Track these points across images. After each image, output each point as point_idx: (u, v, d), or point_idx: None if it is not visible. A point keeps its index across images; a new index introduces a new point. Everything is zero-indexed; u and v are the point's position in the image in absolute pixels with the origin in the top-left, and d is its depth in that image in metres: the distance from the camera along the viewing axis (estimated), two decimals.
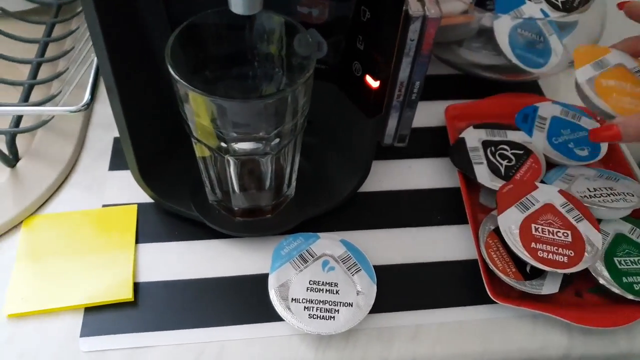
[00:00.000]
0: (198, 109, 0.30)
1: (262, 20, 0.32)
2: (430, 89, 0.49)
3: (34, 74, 0.45)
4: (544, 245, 0.36)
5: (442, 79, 0.51)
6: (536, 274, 0.36)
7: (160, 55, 0.30)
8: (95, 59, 0.36)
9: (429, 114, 0.48)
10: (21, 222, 0.39)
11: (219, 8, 0.29)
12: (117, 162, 0.43)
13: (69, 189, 0.42)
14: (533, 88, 0.52)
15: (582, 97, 0.39)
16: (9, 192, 0.40)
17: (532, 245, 0.36)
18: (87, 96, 0.35)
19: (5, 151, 0.40)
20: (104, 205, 0.41)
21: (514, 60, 0.46)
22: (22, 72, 0.46)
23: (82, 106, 0.35)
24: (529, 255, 0.35)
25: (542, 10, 0.49)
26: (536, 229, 0.37)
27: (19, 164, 0.41)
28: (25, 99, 0.43)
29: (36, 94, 0.44)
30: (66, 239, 0.39)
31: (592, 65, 0.39)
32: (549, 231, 0.37)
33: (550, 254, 0.35)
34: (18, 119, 0.41)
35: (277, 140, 0.33)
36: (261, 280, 0.37)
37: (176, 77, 0.29)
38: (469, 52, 0.48)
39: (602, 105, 0.37)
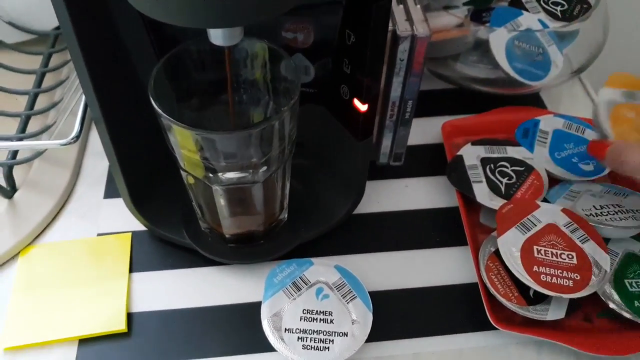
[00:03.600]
0: (183, 141, 0.30)
1: (245, 46, 0.31)
2: (426, 105, 0.48)
3: (31, 104, 0.46)
4: (548, 268, 0.34)
5: (438, 95, 0.50)
6: (540, 299, 0.35)
7: (146, 86, 0.30)
8: None
9: (425, 131, 0.47)
10: (18, 252, 0.40)
11: (200, 38, 0.29)
12: (111, 190, 0.43)
13: (65, 218, 0.42)
14: (533, 101, 0.50)
15: (594, 114, 0.38)
16: (6, 223, 0.40)
17: (534, 269, 0.34)
18: (76, 129, 0.35)
19: (3, 183, 0.41)
20: (99, 234, 0.41)
21: (512, 73, 0.45)
22: (20, 103, 0.47)
23: (72, 139, 0.35)
24: (531, 280, 0.34)
25: (540, 21, 0.48)
26: (539, 251, 0.35)
27: (16, 195, 0.42)
28: (22, 130, 0.43)
29: (34, 124, 0.45)
30: (62, 269, 0.39)
31: (623, 92, 0.38)
32: (552, 253, 0.35)
33: (555, 278, 0.34)
34: (15, 150, 0.42)
35: (265, 168, 0.32)
36: (254, 308, 0.36)
37: (159, 111, 0.29)
38: (465, 67, 0.47)
39: (607, 129, 0.36)
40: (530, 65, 0.45)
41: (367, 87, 0.32)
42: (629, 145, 0.34)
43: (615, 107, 0.38)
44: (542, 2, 0.48)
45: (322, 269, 0.37)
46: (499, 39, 0.45)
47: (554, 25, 0.48)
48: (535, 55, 0.45)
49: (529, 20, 0.47)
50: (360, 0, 0.29)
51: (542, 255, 0.35)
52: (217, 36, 0.27)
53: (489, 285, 0.36)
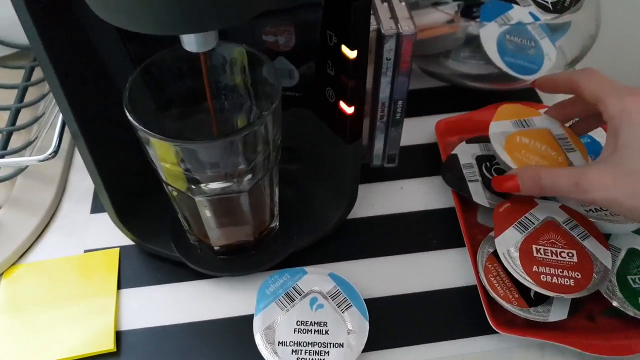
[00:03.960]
0: (162, 153, 0.29)
1: (222, 51, 0.30)
2: (418, 104, 0.47)
3: (13, 119, 0.44)
4: (548, 268, 0.33)
5: (430, 93, 0.49)
6: (542, 300, 0.34)
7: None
8: None
9: (419, 130, 0.46)
10: (2, 273, 0.39)
11: (175, 46, 0.28)
12: (98, 205, 0.42)
13: (50, 235, 0.41)
14: (529, 95, 0.49)
15: (492, 147, 0.39)
16: None
17: (534, 269, 0.33)
18: (54, 144, 0.34)
19: None
20: (85, 251, 0.40)
21: (505, 68, 0.44)
22: (2, 118, 0.46)
23: (50, 154, 0.33)
24: (531, 281, 0.33)
25: (531, 14, 0.46)
26: (538, 250, 0.34)
27: None
28: (4, 147, 0.42)
29: (17, 139, 0.44)
30: (47, 288, 0.37)
31: (512, 122, 0.40)
32: (552, 252, 0.34)
33: (556, 278, 0.33)
34: None
35: (250, 176, 0.31)
36: (247, 321, 0.35)
37: (135, 123, 0.28)
38: (457, 63, 0.46)
39: (506, 159, 0.37)
40: (523, 59, 0.44)
41: (352, 89, 0.31)
42: (538, 168, 0.33)
43: (509, 137, 0.39)
44: None
45: (316, 278, 0.36)
46: (489, 34, 0.44)
47: (545, 17, 0.46)
48: (527, 48, 0.44)
49: (520, 13, 0.46)
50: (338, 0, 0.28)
51: (541, 254, 0.34)
52: (191, 42, 0.25)
53: (488, 287, 0.34)
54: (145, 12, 0.21)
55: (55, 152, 0.34)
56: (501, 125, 0.40)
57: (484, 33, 0.44)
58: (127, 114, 0.28)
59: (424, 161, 0.44)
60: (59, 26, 0.28)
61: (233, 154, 0.29)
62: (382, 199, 0.42)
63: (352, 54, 0.29)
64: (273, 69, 0.29)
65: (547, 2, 0.48)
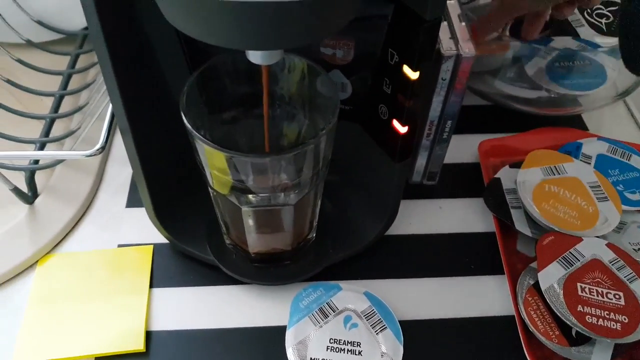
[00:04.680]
0: (213, 160, 0.29)
1: (282, 62, 0.30)
2: (462, 121, 0.46)
3: (56, 106, 0.45)
4: (593, 308, 0.32)
5: (475, 110, 0.48)
6: (583, 340, 0.33)
7: (178, 97, 0.29)
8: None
9: (461, 148, 0.45)
10: (36, 261, 0.39)
11: (235, 52, 0.28)
12: (134, 199, 0.42)
13: (85, 226, 0.41)
14: (573, 122, 0.48)
15: (520, 197, 0.38)
16: (25, 230, 0.39)
17: (578, 309, 0.32)
18: (102, 139, 0.33)
19: (24, 188, 0.40)
20: (119, 245, 0.40)
21: (566, 91, 0.43)
22: (46, 104, 0.46)
23: (97, 150, 0.33)
24: (576, 321, 0.32)
25: (585, 41, 0.45)
26: (583, 289, 0.33)
27: (37, 201, 0.41)
28: (46, 133, 0.42)
29: (58, 127, 0.44)
30: (80, 281, 0.37)
31: (542, 169, 0.39)
32: (597, 292, 0.33)
33: (601, 320, 0.32)
34: None
35: (298, 190, 0.31)
36: (278, 332, 0.34)
37: (192, 130, 0.27)
38: (503, 84, 0.45)
39: (534, 212, 0.37)
40: (580, 78, 0.43)
41: (409, 109, 0.30)
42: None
43: (537, 185, 0.38)
44: (585, 14, 0.46)
45: (350, 296, 0.35)
46: (535, 66, 0.43)
47: (602, 41, 0.45)
48: (582, 67, 0.43)
49: (562, 40, 0.45)
50: (407, 19, 0.27)
51: (586, 293, 0.33)
52: (256, 55, 0.25)
53: (527, 321, 0.34)
54: (223, 27, 0.20)
55: (103, 147, 0.33)
56: (530, 173, 0.39)
57: (530, 69, 0.43)
58: (184, 119, 0.28)
59: (464, 181, 0.43)
60: (120, 22, 0.28)
61: (284, 169, 0.29)
62: (420, 217, 0.41)
63: (413, 75, 0.28)
64: (332, 85, 0.29)
65: (600, 23, 0.46)
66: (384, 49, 0.30)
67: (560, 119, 0.47)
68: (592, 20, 0.45)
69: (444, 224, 0.41)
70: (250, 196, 0.30)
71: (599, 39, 0.45)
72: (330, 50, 0.32)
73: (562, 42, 0.45)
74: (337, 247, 0.38)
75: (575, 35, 0.45)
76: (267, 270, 0.37)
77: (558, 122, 0.46)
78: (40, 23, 0.49)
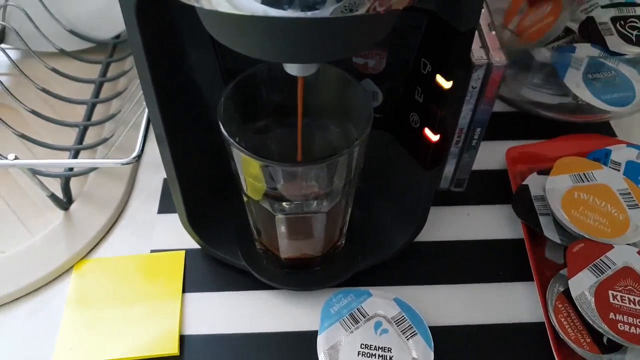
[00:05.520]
0: (249, 169, 0.29)
1: (316, 72, 0.30)
2: (490, 128, 0.46)
3: (89, 114, 0.46)
4: (625, 316, 0.32)
5: (502, 117, 0.48)
6: (616, 347, 0.33)
7: (212, 105, 0.30)
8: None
9: (489, 155, 0.45)
10: (72, 266, 0.40)
11: (271, 63, 0.28)
12: (166, 205, 0.43)
13: (118, 232, 0.42)
14: (602, 128, 0.47)
15: (548, 204, 0.38)
16: (62, 236, 0.40)
17: (610, 316, 0.32)
18: (137, 148, 0.34)
19: (60, 194, 0.41)
20: (152, 250, 0.41)
21: (605, 106, 0.42)
22: (78, 111, 0.47)
23: (133, 158, 0.34)
24: (608, 329, 0.32)
25: (604, 49, 0.45)
26: (614, 297, 0.33)
27: (72, 207, 0.42)
28: (80, 141, 0.43)
29: (91, 134, 0.45)
30: (114, 285, 0.38)
31: (571, 176, 0.39)
32: (629, 300, 0.33)
33: (633, 327, 0.32)
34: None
35: (329, 198, 0.31)
36: (308, 338, 0.35)
37: (228, 138, 0.28)
38: (530, 91, 0.45)
39: (563, 219, 0.37)
40: (612, 92, 0.43)
41: (441, 118, 0.30)
42: None
43: (566, 193, 0.38)
44: (618, 25, 0.45)
45: (380, 302, 0.35)
46: (573, 79, 0.42)
47: (626, 49, 0.45)
48: (611, 79, 0.42)
49: (585, 50, 0.45)
50: (441, 30, 0.27)
51: (618, 301, 0.33)
52: (294, 67, 0.26)
53: (558, 328, 0.34)
54: (266, 41, 0.21)
55: (139, 156, 0.34)
56: (559, 180, 0.39)
57: (569, 80, 0.42)
58: (221, 128, 0.28)
59: (492, 188, 0.43)
60: (159, 32, 0.29)
61: (318, 177, 0.29)
62: (448, 224, 0.41)
63: (447, 85, 0.29)
64: (366, 96, 0.29)
65: (631, 35, 0.46)
66: (417, 58, 0.30)
67: (589, 126, 0.47)
68: (623, 31, 0.45)
69: (472, 231, 0.41)
70: (284, 203, 0.31)
71: (627, 48, 0.44)
72: (362, 59, 0.32)
73: (585, 51, 0.45)
74: (366, 253, 0.38)
75: (603, 44, 0.44)
76: (297, 276, 0.38)
77: (586, 129, 0.46)
78: (72, 32, 0.50)
